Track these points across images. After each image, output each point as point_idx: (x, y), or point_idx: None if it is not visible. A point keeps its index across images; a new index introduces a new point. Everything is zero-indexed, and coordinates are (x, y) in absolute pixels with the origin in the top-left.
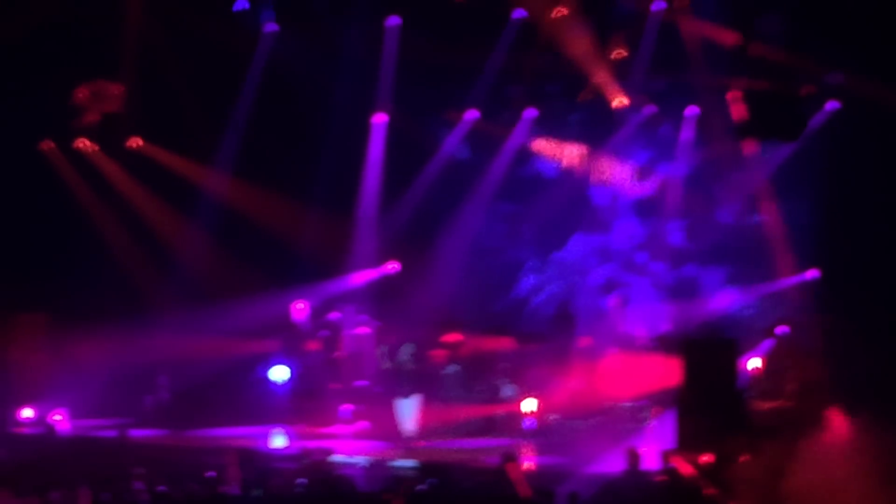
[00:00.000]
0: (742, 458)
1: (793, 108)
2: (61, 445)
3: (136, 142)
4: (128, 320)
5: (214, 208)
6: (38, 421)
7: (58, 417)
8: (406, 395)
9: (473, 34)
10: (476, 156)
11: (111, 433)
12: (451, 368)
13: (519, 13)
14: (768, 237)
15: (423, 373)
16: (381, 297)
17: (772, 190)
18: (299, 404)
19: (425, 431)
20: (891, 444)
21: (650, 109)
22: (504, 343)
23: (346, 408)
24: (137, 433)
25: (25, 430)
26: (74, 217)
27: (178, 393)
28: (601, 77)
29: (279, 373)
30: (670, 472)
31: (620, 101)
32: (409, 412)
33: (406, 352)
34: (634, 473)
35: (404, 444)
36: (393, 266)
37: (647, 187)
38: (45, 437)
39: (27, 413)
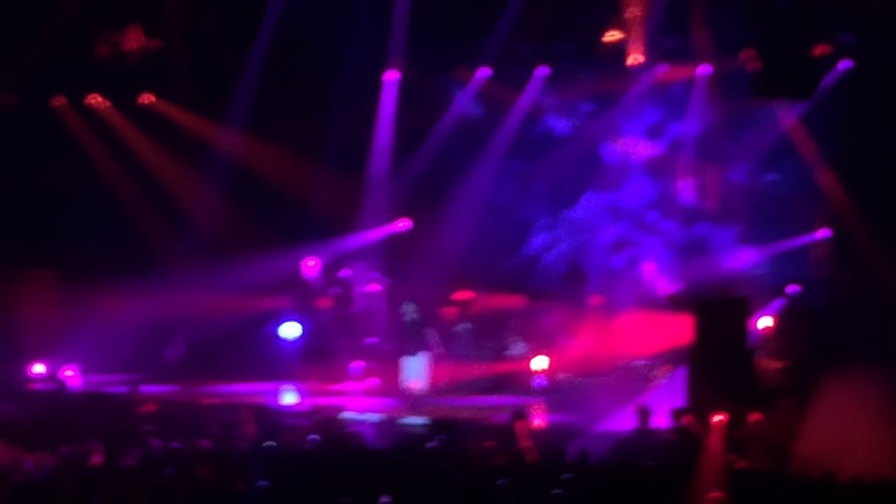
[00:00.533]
0: (752, 417)
1: (805, 68)
2: (72, 401)
3: (148, 98)
4: (139, 276)
5: (226, 165)
6: (50, 377)
7: (69, 373)
8: (413, 352)
9: None
10: (488, 114)
11: (123, 389)
12: (462, 326)
13: None
14: (780, 196)
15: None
16: (392, 255)
17: (784, 149)
18: (310, 361)
19: (435, 389)
20: None
21: (662, 68)
22: (515, 301)
23: (357, 365)
24: (149, 389)
25: (37, 386)
26: (85, 173)
27: (190, 348)
28: (615, 35)
29: (290, 330)
30: (681, 431)
31: (636, 59)
32: (416, 370)
33: (409, 310)
34: (645, 431)
35: (413, 402)
36: (404, 223)
37: (659, 146)
38: (56, 392)
39: (38, 369)
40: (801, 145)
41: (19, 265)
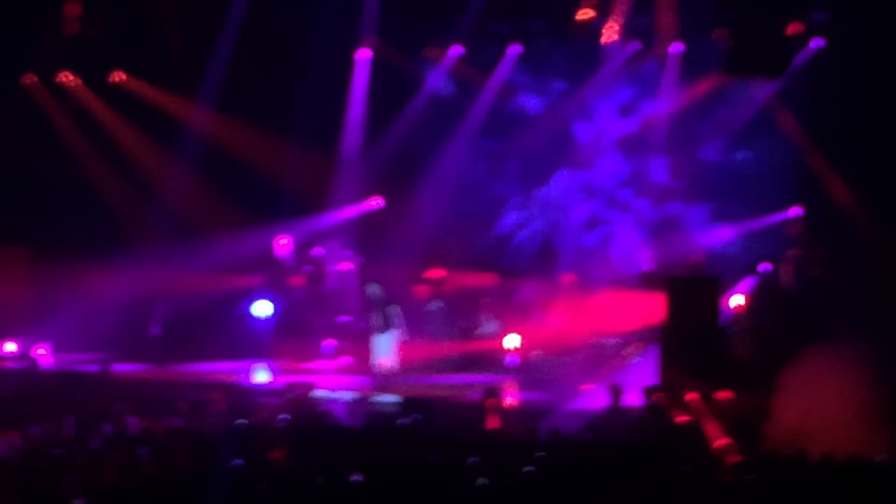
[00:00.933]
0: (723, 395)
1: (777, 46)
2: (44, 379)
3: (118, 76)
4: (111, 255)
5: (197, 143)
6: (21, 355)
7: (41, 351)
8: (381, 331)
9: None
10: (460, 92)
11: (94, 367)
12: (434, 304)
13: None
14: (752, 174)
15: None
16: (364, 233)
17: (756, 127)
18: (282, 339)
19: (406, 367)
20: (871, 376)
21: (634, 46)
22: (487, 279)
23: (329, 343)
24: (120, 367)
25: (8, 365)
26: (57, 151)
27: (166, 325)
28: (588, 13)
29: (262, 308)
30: (652, 409)
31: (609, 37)
32: (386, 348)
33: (372, 289)
34: (617, 409)
35: (384, 380)
36: (376, 202)
37: (631, 124)
38: (27, 371)
39: (10, 347)
40: (773, 123)
41: None
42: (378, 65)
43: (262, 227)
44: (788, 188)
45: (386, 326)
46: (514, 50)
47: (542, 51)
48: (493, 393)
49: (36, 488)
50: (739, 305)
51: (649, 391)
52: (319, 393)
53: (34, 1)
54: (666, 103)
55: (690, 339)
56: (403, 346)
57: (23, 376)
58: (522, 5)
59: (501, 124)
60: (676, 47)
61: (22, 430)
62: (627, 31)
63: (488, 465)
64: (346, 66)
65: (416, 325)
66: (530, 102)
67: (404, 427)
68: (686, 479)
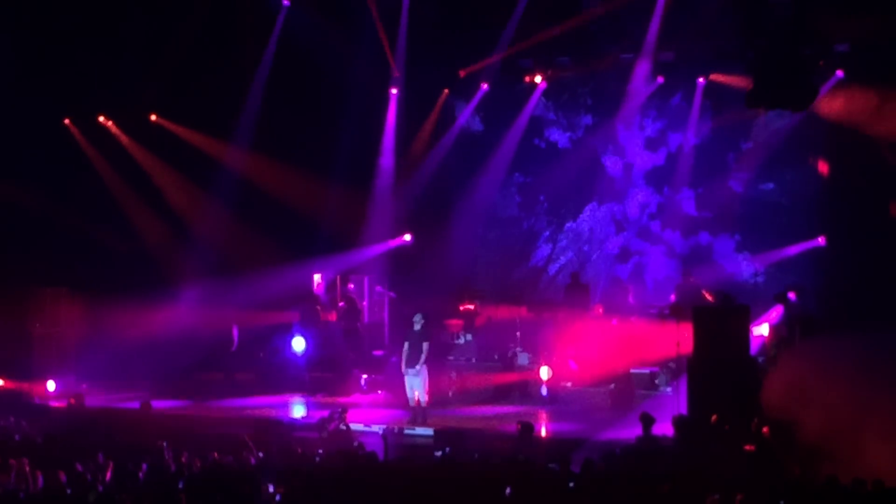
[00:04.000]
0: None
1: (802, 78)
2: (85, 416)
3: (156, 117)
4: (149, 293)
5: (233, 182)
6: (62, 393)
7: (81, 390)
8: (413, 365)
9: (487, 6)
10: (490, 127)
11: (134, 404)
12: (466, 337)
13: None
14: (778, 205)
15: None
16: (397, 268)
17: (781, 158)
18: (318, 374)
19: (439, 400)
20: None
21: (661, 80)
22: (519, 312)
23: (364, 377)
24: (160, 404)
25: (49, 403)
26: (96, 192)
27: (199, 363)
28: None
29: (298, 344)
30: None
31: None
32: (420, 381)
33: (417, 320)
34: (648, 439)
35: (419, 413)
36: (408, 237)
37: (659, 157)
38: (69, 409)
39: (51, 386)
40: (798, 153)
41: (32, 283)
42: (409, 102)
43: (297, 263)
44: (814, 218)
45: (418, 360)
46: (542, 86)
47: (568, 86)
48: (527, 425)
49: None
50: (763, 335)
51: (679, 420)
52: (354, 426)
53: (74, 44)
54: (692, 135)
55: (720, 368)
56: (438, 379)
57: (65, 414)
58: (548, 41)
59: (531, 159)
60: (702, 80)
61: (63, 468)
62: (654, 65)
63: (522, 496)
64: (378, 104)
65: (449, 357)
66: (559, 137)
67: (438, 459)
68: None
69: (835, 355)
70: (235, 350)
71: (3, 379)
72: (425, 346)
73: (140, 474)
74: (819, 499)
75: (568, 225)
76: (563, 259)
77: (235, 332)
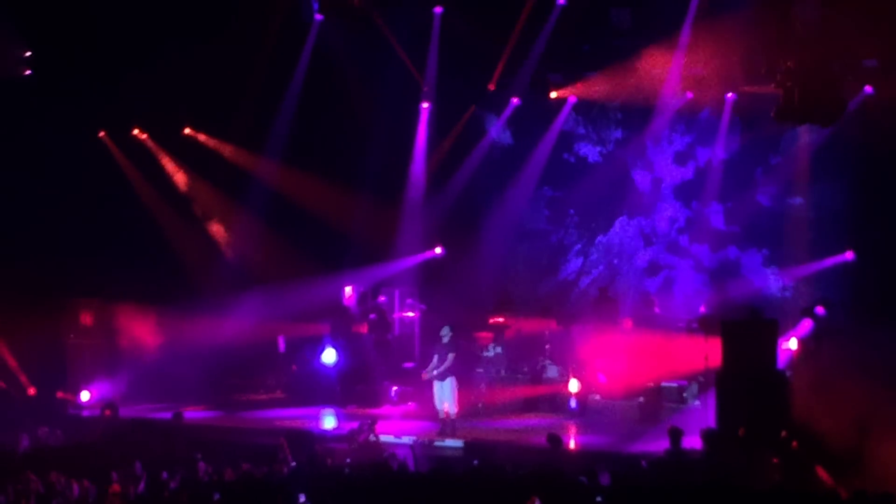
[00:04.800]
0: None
1: (830, 93)
2: (118, 427)
3: (189, 130)
4: (182, 304)
5: (265, 195)
6: (95, 403)
7: (114, 400)
8: (442, 377)
9: (517, 20)
10: (520, 141)
11: (167, 415)
12: (496, 349)
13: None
14: (806, 219)
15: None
16: (427, 281)
17: (809, 173)
18: (348, 386)
19: (468, 412)
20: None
21: (689, 95)
22: (548, 324)
23: (394, 389)
24: (192, 415)
25: (83, 413)
26: (129, 204)
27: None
28: None
29: (328, 355)
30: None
31: None
32: (446, 393)
33: (445, 333)
34: (676, 452)
35: (448, 425)
36: (439, 250)
37: (687, 171)
38: (101, 419)
39: (84, 396)
40: (826, 168)
41: (66, 294)
42: (439, 116)
43: (329, 276)
44: (842, 232)
45: (450, 372)
46: (572, 99)
47: (598, 100)
48: (556, 437)
49: None
50: (792, 349)
51: (707, 434)
52: (384, 437)
53: (106, 59)
54: (721, 150)
55: (748, 381)
56: (467, 392)
57: (99, 424)
58: (577, 56)
59: (561, 173)
60: (731, 95)
61: (97, 478)
62: (683, 80)
63: None
64: (409, 118)
65: (478, 370)
66: (588, 151)
67: (468, 471)
68: None
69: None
70: (282, 356)
71: (36, 388)
72: (450, 356)
73: (172, 484)
74: None
75: (599, 238)
76: (594, 272)
77: (282, 341)
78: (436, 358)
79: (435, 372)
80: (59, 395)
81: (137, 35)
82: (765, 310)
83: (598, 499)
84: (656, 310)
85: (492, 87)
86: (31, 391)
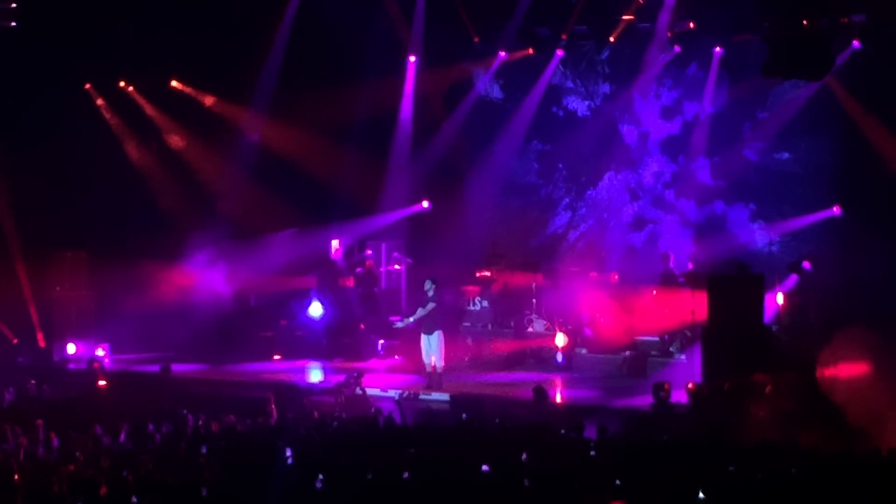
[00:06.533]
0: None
1: (818, 48)
2: (105, 380)
3: (175, 82)
4: (168, 258)
5: (252, 148)
6: (82, 356)
7: (100, 353)
8: (430, 331)
9: None
10: (507, 95)
11: (154, 368)
12: (482, 303)
13: None
14: (793, 174)
15: (449, 308)
16: (415, 235)
17: (797, 128)
18: (335, 340)
19: (454, 366)
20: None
21: (677, 49)
22: (535, 279)
23: (381, 343)
24: (179, 368)
25: (69, 366)
26: (115, 157)
27: (216, 327)
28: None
29: (315, 309)
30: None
31: None
32: (434, 347)
33: (428, 287)
34: (662, 406)
35: (434, 378)
36: (426, 204)
37: (674, 126)
38: (90, 371)
39: (71, 349)
40: (813, 123)
41: (51, 247)
42: (426, 69)
43: (315, 229)
44: (829, 187)
45: (437, 325)
46: (559, 54)
47: (586, 54)
48: (542, 391)
49: (96, 487)
50: (780, 303)
51: (693, 387)
52: (370, 391)
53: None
54: (708, 105)
55: (734, 336)
56: (454, 345)
57: (85, 377)
58: (566, 10)
59: (549, 126)
60: (718, 49)
61: (84, 431)
62: (671, 34)
63: (538, 462)
64: (396, 71)
65: (464, 324)
66: (577, 105)
67: (455, 424)
68: (732, 479)
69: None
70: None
71: (18, 338)
72: (429, 307)
73: (158, 437)
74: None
75: (588, 193)
76: (583, 227)
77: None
78: (428, 316)
79: (411, 319)
80: (42, 345)
81: None
82: (751, 265)
83: (592, 453)
84: (644, 264)
85: (476, 39)
86: (14, 340)
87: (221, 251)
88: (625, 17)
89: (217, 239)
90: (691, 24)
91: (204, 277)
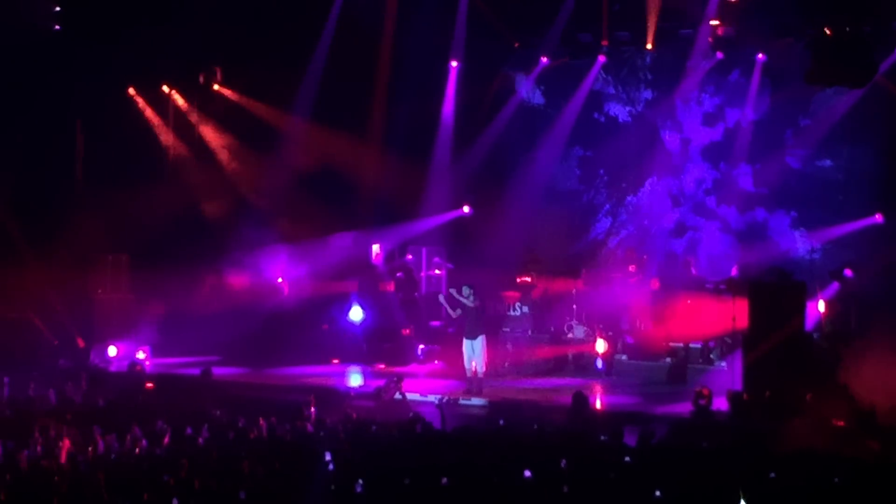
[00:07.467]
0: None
1: (861, 54)
2: (146, 382)
3: (218, 87)
4: (210, 262)
5: (294, 152)
6: (123, 359)
7: (141, 355)
8: (473, 336)
9: None
10: (548, 101)
11: (195, 371)
12: (522, 309)
13: None
14: (835, 182)
15: (490, 313)
16: (455, 240)
17: (839, 135)
18: (375, 344)
19: (494, 371)
20: None
21: (720, 55)
22: (575, 285)
23: (420, 347)
24: (219, 371)
25: (110, 368)
26: (157, 160)
27: (259, 331)
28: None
29: (355, 313)
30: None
31: None
32: (476, 352)
33: (467, 293)
34: (703, 413)
35: (475, 383)
36: (467, 209)
37: (716, 132)
38: (129, 374)
39: (111, 351)
40: (856, 130)
41: (93, 250)
42: (469, 75)
43: (357, 234)
44: (871, 195)
45: (478, 331)
46: (601, 60)
47: (628, 60)
48: (582, 397)
49: (136, 489)
50: (822, 311)
51: (733, 397)
52: (410, 395)
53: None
54: (750, 111)
55: (775, 343)
56: (494, 351)
57: (126, 380)
58: (608, 16)
59: (591, 132)
60: (761, 56)
61: (123, 433)
62: (713, 41)
63: (576, 468)
64: (438, 76)
65: (504, 329)
66: (619, 111)
67: (495, 430)
68: (773, 487)
69: None
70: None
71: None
72: (466, 309)
73: (200, 440)
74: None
75: (629, 199)
76: (623, 233)
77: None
78: (468, 321)
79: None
80: (82, 347)
81: None
82: (793, 272)
83: (626, 459)
84: (685, 270)
85: (517, 44)
86: (55, 342)
87: (264, 256)
88: (656, 21)
89: (260, 243)
90: (733, 31)
91: (246, 282)
